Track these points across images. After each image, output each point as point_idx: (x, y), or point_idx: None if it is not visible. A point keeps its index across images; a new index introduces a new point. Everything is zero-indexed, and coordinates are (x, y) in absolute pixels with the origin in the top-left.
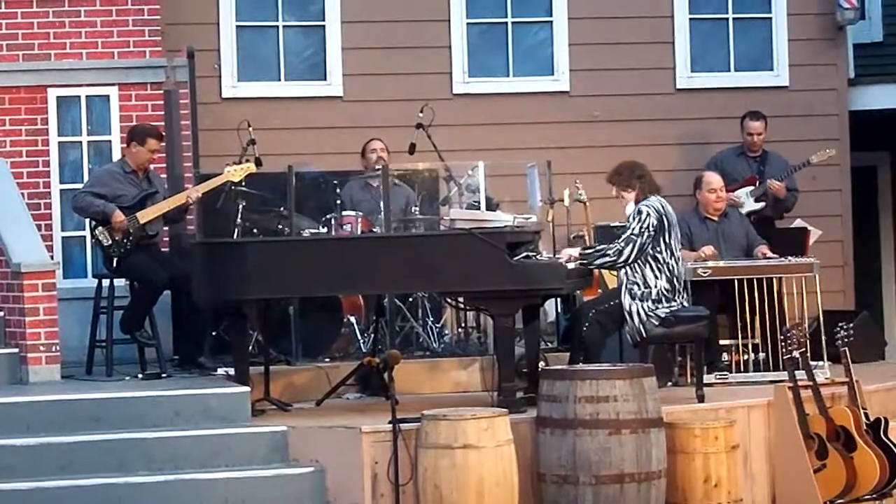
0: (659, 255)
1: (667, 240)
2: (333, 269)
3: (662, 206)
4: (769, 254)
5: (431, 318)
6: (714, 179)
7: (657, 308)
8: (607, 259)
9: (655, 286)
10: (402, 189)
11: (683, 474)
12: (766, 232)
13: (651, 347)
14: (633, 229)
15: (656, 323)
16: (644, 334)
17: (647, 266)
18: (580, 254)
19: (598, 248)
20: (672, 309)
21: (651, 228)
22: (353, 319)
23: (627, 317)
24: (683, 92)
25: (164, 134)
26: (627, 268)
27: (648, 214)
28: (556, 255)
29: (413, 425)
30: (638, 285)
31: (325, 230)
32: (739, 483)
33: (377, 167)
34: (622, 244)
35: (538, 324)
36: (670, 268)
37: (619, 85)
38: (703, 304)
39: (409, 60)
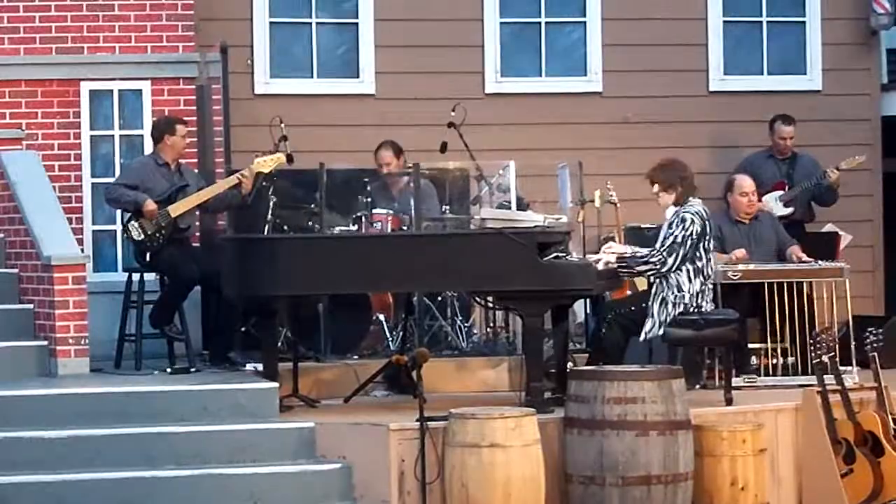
0: (698, 261)
1: (705, 245)
2: (363, 266)
3: (705, 212)
4: (802, 255)
5: (460, 317)
6: (746, 183)
7: (686, 314)
8: (650, 267)
9: (689, 291)
10: (427, 189)
11: (710, 477)
12: (796, 236)
13: (680, 350)
14: (677, 237)
15: (682, 328)
16: (666, 339)
17: (684, 272)
18: (619, 258)
19: (638, 254)
20: (702, 312)
21: (695, 236)
22: (381, 317)
23: (651, 322)
24: (716, 94)
25: (185, 121)
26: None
27: (693, 222)
28: (596, 258)
29: (441, 424)
30: (672, 291)
31: (355, 228)
32: (766, 486)
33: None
34: (665, 253)
35: (567, 324)
36: (705, 273)
37: (651, 86)
38: (733, 307)
39: (442, 59)
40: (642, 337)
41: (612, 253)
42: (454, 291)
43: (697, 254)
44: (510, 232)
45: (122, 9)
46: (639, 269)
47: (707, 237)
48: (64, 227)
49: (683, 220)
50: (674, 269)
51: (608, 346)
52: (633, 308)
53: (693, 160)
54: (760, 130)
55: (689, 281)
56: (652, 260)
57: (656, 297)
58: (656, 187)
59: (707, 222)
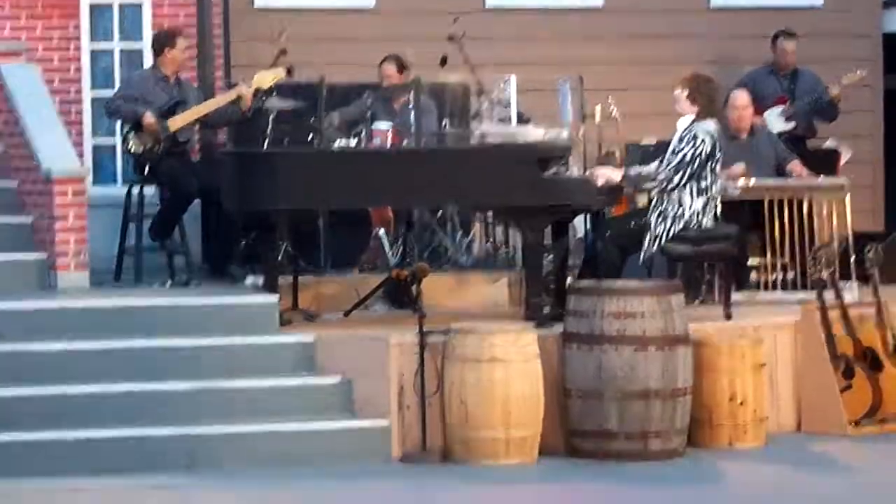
0: (703, 181)
1: (713, 164)
2: (363, 181)
3: (717, 132)
4: (802, 170)
5: (460, 232)
6: (738, 97)
7: (686, 230)
8: (654, 184)
9: (690, 207)
10: (427, 104)
11: (709, 392)
12: (797, 151)
13: (679, 265)
14: (686, 155)
15: (682, 243)
16: (663, 255)
17: (687, 189)
18: (624, 176)
19: (643, 170)
20: (702, 228)
21: (703, 156)
22: (381, 232)
23: (650, 239)
24: (717, 11)
25: (185, 34)
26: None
27: (703, 141)
28: (595, 175)
29: (441, 338)
30: (673, 205)
31: (355, 142)
32: (765, 401)
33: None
34: (671, 171)
35: (567, 240)
36: (710, 193)
37: (652, 2)
38: (733, 223)
39: None
40: (641, 256)
41: (606, 176)
42: (454, 206)
43: (704, 173)
44: (510, 147)
45: None
46: (643, 186)
47: (716, 157)
48: (64, 140)
49: (695, 138)
50: (679, 186)
51: (604, 263)
52: (631, 224)
53: None
54: (762, 47)
55: (692, 198)
56: (659, 177)
57: (655, 210)
58: (684, 93)
59: (717, 143)
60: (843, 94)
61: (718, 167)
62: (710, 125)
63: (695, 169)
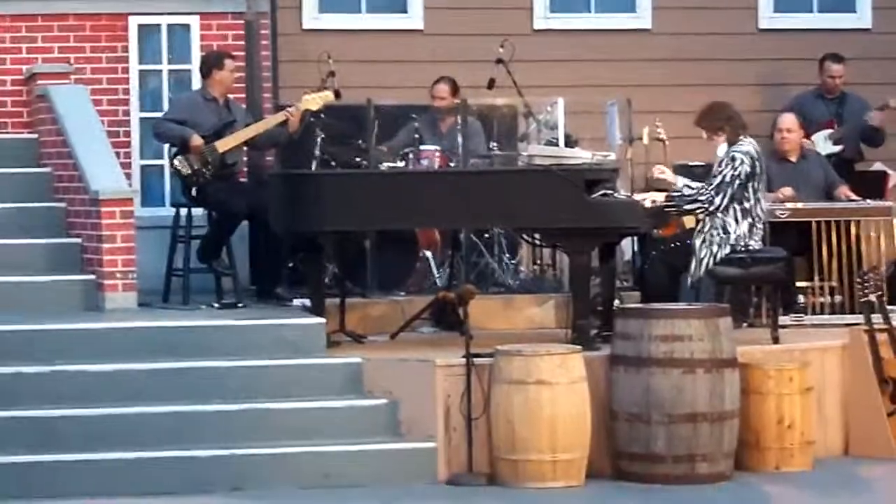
0: (746, 202)
1: (755, 185)
2: (410, 203)
3: (756, 152)
4: (851, 194)
5: (507, 255)
6: (783, 119)
7: (733, 253)
8: (697, 206)
9: (735, 231)
10: (474, 126)
11: (757, 415)
12: (844, 175)
13: (727, 288)
14: (726, 176)
15: (729, 266)
16: (711, 278)
17: (731, 212)
18: (667, 197)
19: (686, 193)
20: (749, 251)
21: (743, 176)
22: (428, 254)
23: (696, 263)
24: (765, 32)
25: (233, 56)
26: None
27: (742, 162)
28: (641, 198)
29: (487, 360)
30: (718, 231)
31: (403, 164)
32: (812, 425)
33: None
34: (713, 193)
35: (614, 262)
36: (754, 214)
37: (700, 24)
38: (781, 246)
39: None
40: (689, 281)
41: (663, 177)
42: (501, 228)
43: (746, 194)
44: (558, 169)
45: None
46: (687, 207)
47: (757, 177)
48: (112, 161)
49: (733, 160)
50: (721, 207)
51: (651, 284)
52: (677, 244)
53: (741, 98)
54: (809, 69)
55: (737, 222)
56: (700, 199)
57: (700, 234)
58: (704, 134)
59: (757, 162)
60: (891, 117)
61: (762, 188)
62: (748, 146)
63: (735, 190)
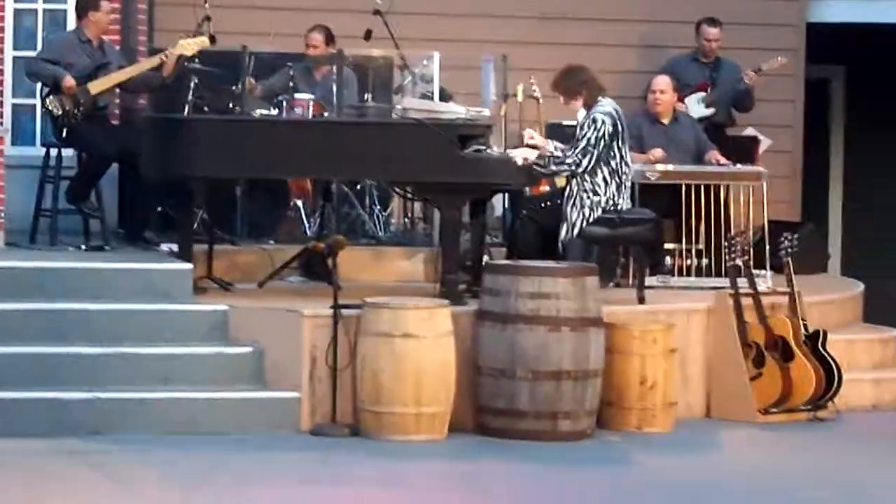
0: (612, 162)
1: (619, 144)
2: (283, 151)
3: (616, 112)
4: (721, 159)
5: (378, 207)
6: (657, 81)
7: (603, 214)
8: (564, 168)
9: (605, 193)
10: (349, 76)
11: (620, 374)
12: (716, 139)
13: (595, 248)
14: (590, 139)
15: (598, 226)
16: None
17: (600, 173)
18: (539, 156)
19: (555, 154)
20: (618, 211)
21: (607, 136)
22: (299, 203)
23: (567, 226)
24: None
25: None
26: (579, 176)
27: (604, 122)
28: (513, 154)
29: (354, 312)
30: (588, 193)
31: (276, 112)
32: (675, 386)
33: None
34: (580, 156)
35: (484, 218)
36: (621, 174)
37: None
38: (650, 208)
39: None
40: (559, 244)
41: (532, 142)
42: (373, 180)
43: (611, 153)
44: (431, 123)
45: None
46: (554, 168)
47: (619, 135)
48: None
49: (595, 122)
50: (588, 169)
51: (521, 241)
52: (547, 203)
53: (620, 59)
54: (687, 32)
55: (605, 183)
56: (567, 161)
57: (570, 199)
58: (562, 98)
59: (619, 121)
60: (765, 83)
61: (625, 147)
62: (606, 105)
63: (601, 150)
